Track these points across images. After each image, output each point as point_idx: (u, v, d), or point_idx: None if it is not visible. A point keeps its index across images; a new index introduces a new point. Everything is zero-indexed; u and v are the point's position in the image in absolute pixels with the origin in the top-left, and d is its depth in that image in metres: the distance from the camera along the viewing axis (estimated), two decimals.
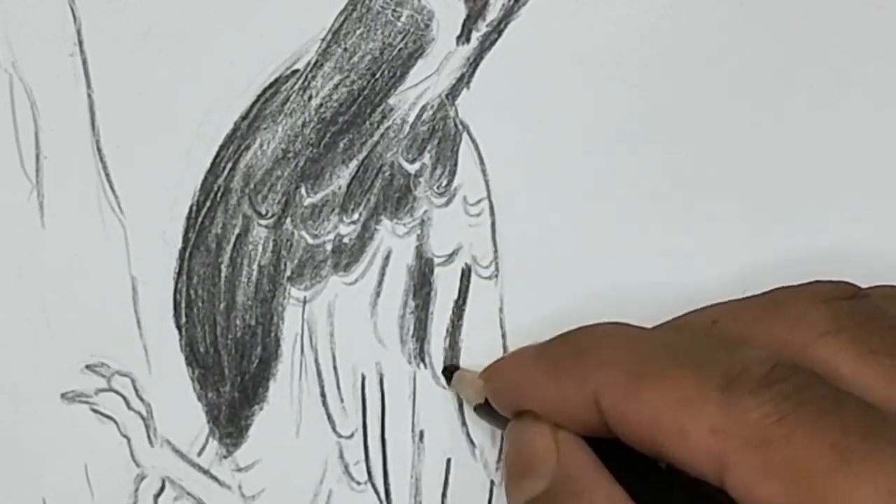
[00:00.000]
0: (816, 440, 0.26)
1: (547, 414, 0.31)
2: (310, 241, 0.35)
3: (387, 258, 0.35)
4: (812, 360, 0.28)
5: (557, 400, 0.30)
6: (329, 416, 0.35)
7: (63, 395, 0.34)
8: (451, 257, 0.35)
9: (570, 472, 0.30)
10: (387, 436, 0.35)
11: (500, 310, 0.35)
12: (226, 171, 0.35)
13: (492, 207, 0.35)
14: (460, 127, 0.35)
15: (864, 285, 0.31)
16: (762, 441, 0.26)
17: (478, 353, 0.35)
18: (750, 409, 0.26)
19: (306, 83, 0.35)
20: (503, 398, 0.33)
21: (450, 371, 0.35)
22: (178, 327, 0.35)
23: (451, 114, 0.35)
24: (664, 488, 0.30)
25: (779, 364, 0.27)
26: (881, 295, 0.31)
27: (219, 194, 0.35)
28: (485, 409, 0.33)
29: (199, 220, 0.35)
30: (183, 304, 0.35)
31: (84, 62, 0.34)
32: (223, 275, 0.35)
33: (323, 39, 0.35)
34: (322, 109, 0.35)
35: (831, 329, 0.29)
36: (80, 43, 0.34)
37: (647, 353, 0.29)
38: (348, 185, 0.35)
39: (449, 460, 0.35)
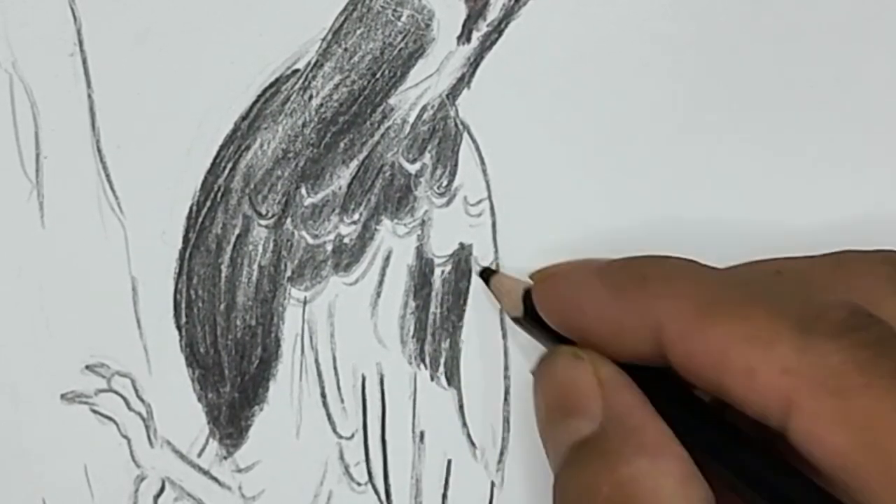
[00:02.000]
0: (894, 394, 0.25)
1: (600, 338, 0.29)
2: (310, 241, 0.35)
3: (387, 258, 0.35)
4: (886, 315, 0.27)
5: (616, 324, 0.29)
6: (329, 417, 0.35)
7: (63, 396, 0.34)
8: (451, 257, 0.35)
9: (618, 412, 0.29)
10: (387, 436, 0.35)
11: (501, 310, 0.35)
12: (226, 171, 0.35)
13: (492, 207, 0.35)
14: (461, 127, 0.35)
15: None
16: (838, 388, 0.25)
17: (478, 353, 0.35)
18: (827, 353, 0.25)
19: (307, 83, 0.35)
20: (554, 307, 0.31)
21: (488, 273, 0.34)
22: (179, 328, 0.35)
23: (452, 114, 0.35)
24: (706, 422, 0.28)
25: (859, 311, 0.26)
26: None
27: (219, 194, 0.35)
28: (526, 321, 0.32)
29: (200, 220, 0.35)
30: (183, 305, 0.35)
31: (84, 62, 0.34)
32: (223, 275, 0.35)
33: (323, 39, 0.35)
34: (322, 109, 0.35)
35: None
36: (80, 43, 0.34)
37: (717, 287, 0.28)
38: (349, 186, 0.35)
39: (449, 461, 0.35)
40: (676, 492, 0.27)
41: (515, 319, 0.33)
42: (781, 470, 0.27)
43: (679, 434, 0.28)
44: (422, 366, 0.35)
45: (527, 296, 0.32)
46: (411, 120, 0.35)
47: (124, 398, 0.35)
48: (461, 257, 0.35)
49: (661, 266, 0.30)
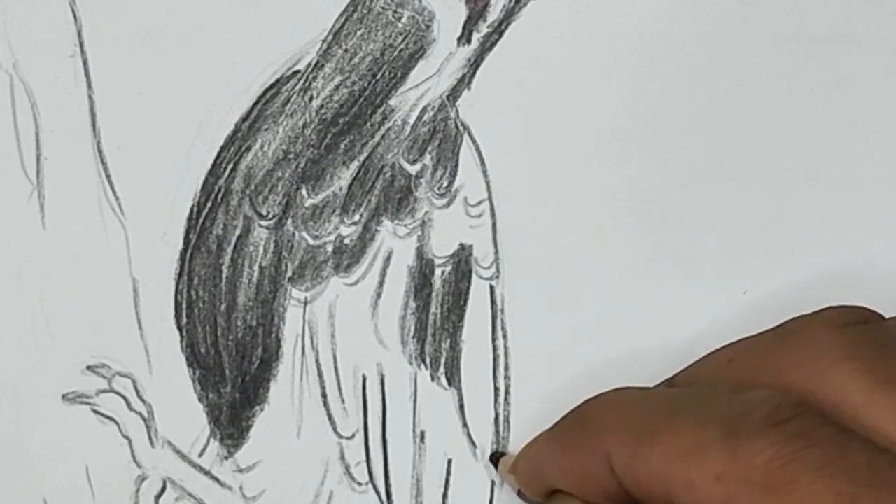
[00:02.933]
0: (822, 487, 0.25)
1: (572, 490, 0.31)
2: (311, 242, 0.35)
3: (388, 259, 0.35)
4: (824, 389, 0.28)
5: (577, 474, 0.30)
6: (330, 417, 0.35)
7: (64, 396, 0.34)
8: (451, 258, 0.35)
9: None
10: (388, 436, 0.35)
11: (501, 311, 0.35)
12: (227, 172, 0.35)
13: (492, 208, 0.35)
14: (461, 128, 0.35)
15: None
16: (767, 486, 0.26)
17: (478, 354, 0.35)
18: (754, 453, 0.26)
19: (307, 84, 0.35)
20: (530, 486, 0.33)
21: (496, 457, 0.35)
22: (179, 328, 0.35)
23: (452, 115, 0.35)
24: None
25: (783, 403, 0.27)
26: (894, 322, 0.31)
27: (220, 195, 0.35)
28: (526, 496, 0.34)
29: (200, 221, 0.35)
30: (184, 305, 0.35)
31: (85, 63, 0.34)
32: (224, 276, 0.35)
33: (324, 40, 0.35)
34: (323, 110, 0.35)
35: (845, 356, 0.28)
36: (81, 44, 0.34)
37: (649, 409, 0.29)
38: (349, 186, 0.35)
39: (450, 461, 0.35)
40: None
41: (521, 496, 0.34)
42: None
43: None
44: (422, 366, 0.35)
45: None
46: (412, 121, 0.35)
47: (125, 398, 0.35)
48: (461, 258, 0.35)
49: (597, 404, 0.31)
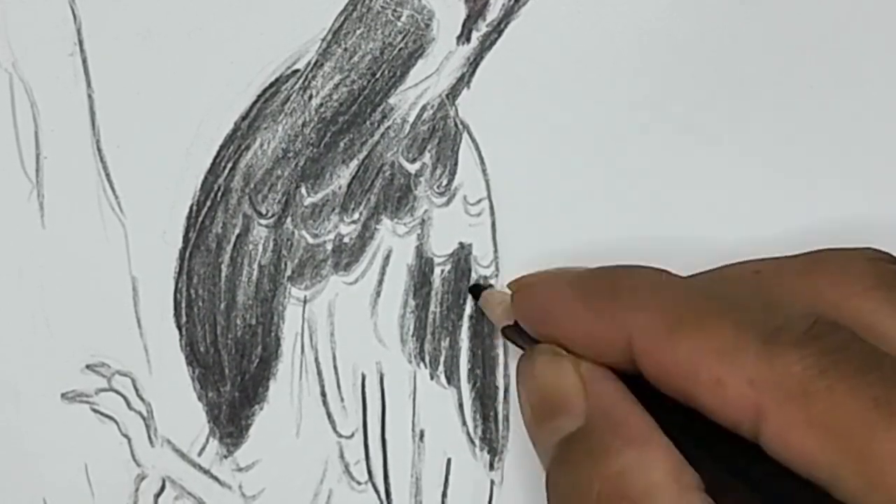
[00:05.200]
0: (858, 394, 0.25)
1: (574, 346, 0.30)
2: (310, 240, 0.35)
3: (387, 258, 0.35)
4: (854, 314, 0.28)
5: (588, 334, 0.30)
6: (329, 416, 0.35)
7: (63, 395, 0.34)
8: (451, 257, 0.35)
9: (602, 406, 0.29)
10: (387, 435, 0.35)
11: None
12: (226, 171, 0.35)
13: (492, 207, 0.35)
14: (460, 127, 0.35)
15: None
16: (803, 393, 0.26)
17: (478, 352, 0.35)
18: (791, 362, 0.26)
19: (307, 83, 0.35)
20: (530, 317, 0.32)
21: (478, 289, 0.34)
22: (179, 327, 0.35)
23: (452, 113, 0.35)
24: (688, 416, 0.29)
25: (820, 320, 0.27)
26: None
27: (219, 194, 0.35)
28: (512, 331, 0.33)
29: (200, 219, 0.35)
30: (183, 304, 0.35)
31: (84, 62, 0.34)
32: (223, 274, 0.35)
33: (323, 39, 0.35)
34: (322, 109, 0.35)
35: (875, 284, 0.28)
36: (81, 43, 0.34)
37: (685, 300, 0.29)
38: (349, 185, 0.35)
39: (449, 460, 0.35)
40: (667, 480, 0.27)
41: (504, 331, 0.33)
42: (762, 460, 0.27)
43: (664, 428, 0.29)
44: (421, 364, 0.35)
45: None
46: (411, 120, 0.35)
47: (125, 397, 0.35)
48: (461, 256, 0.35)
49: (632, 278, 0.30)
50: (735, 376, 0.27)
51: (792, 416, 0.26)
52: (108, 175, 0.34)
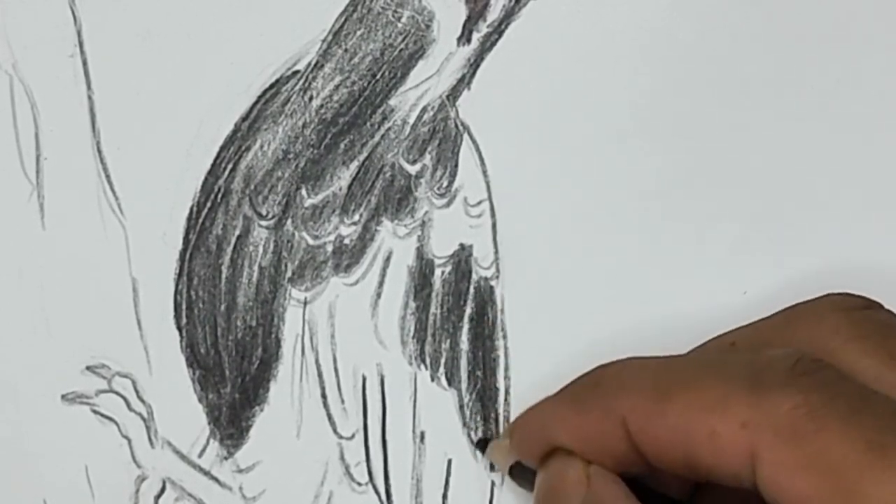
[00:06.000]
0: (850, 435, 0.25)
1: (577, 449, 0.30)
2: (310, 242, 0.35)
3: (388, 259, 0.35)
4: (836, 364, 0.28)
5: (586, 434, 0.30)
6: (330, 418, 0.35)
7: (64, 397, 0.34)
8: (451, 258, 0.35)
9: (601, 501, 0.30)
10: (388, 437, 0.35)
11: (501, 311, 0.35)
12: (226, 172, 0.35)
13: (492, 208, 0.35)
14: (461, 128, 0.35)
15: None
16: (793, 434, 0.26)
17: (478, 354, 0.35)
18: (779, 402, 0.26)
19: (307, 84, 0.35)
20: (528, 448, 0.32)
21: (483, 443, 0.35)
22: (179, 328, 0.35)
23: (452, 115, 0.35)
24: None
25: (804, 357, 0.27)
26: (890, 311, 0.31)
27: (219, 195, 0.35)
28: (518, 470, 0.33)
29: (200, 221, 0.35)
30: (183, 306, 0.35)
31: (84, 63, 0.34)
32: (224, 276, 0.35)
33: (324, 40, 0.35)
34: (323, 110, 0.35)
35: (854, 336, 0.28)
36: (81, 44, 0.34)
37: (667, 371, 0.29)
38: (349, 187, 0.35)
39: (450, 461, 0.35)
40: None
41: (511, 474, 0.34)
42: None
43: None
44: (422, 366, 0.35)
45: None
46: (411, 121, 0.35)
47: (125, 399, 0.35)
48: (461, 258, 0.35)
49: (612, 368, 0.31)
50: (727, 424, 0.27)
51: (784, 457, 0.26)
52: (108, 176, 0.34)
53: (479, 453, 0.35)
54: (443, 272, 0.35)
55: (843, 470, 0.25)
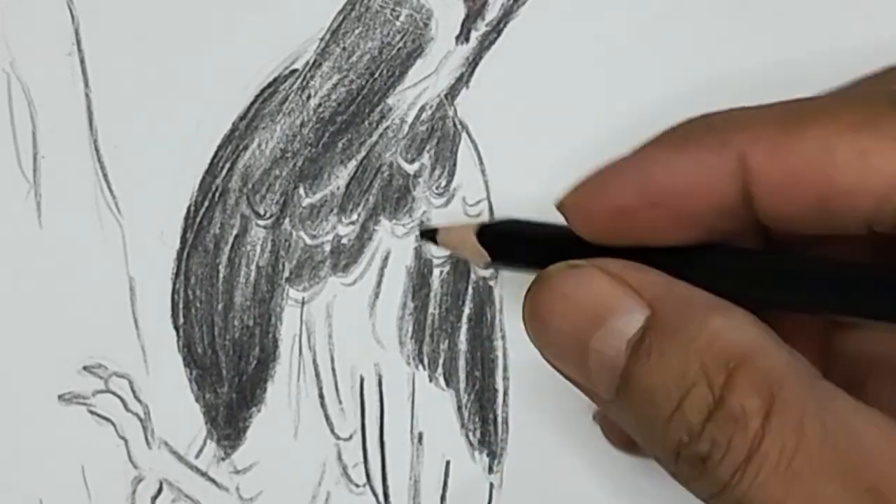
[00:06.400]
0: None
1: (679, 198, 0.27)
2: (308, 241, 0.35)
3: (386, 259, 0.35)
4: None
5: (691, 177, 0.26)
6: (327, 418, 0.35)
7: (60, 397, 0.34)
8: (449, 258, 0.35)
9: (662, 291, 0.27)
10: (385, 437, 0.35)
11: (500, 310, 0.35)
12: (224, 171, 0.35)
13: (491, 208, 0.35)
14: (459, 127, 0.35)
15: None
16: None
17: (477, 354, 0.35)
18: None
19: (305, 83, 0.35)
20: (597, 205, 0.28)
21: (429, 233, 0.32)
22: (176, 328, 0.35)
23: (450, 113, 0.35)
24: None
25: None
26: None
27: (217, 194, 0.35)
28: (500, 265, 0.31)
29: (198, 220, 0.35)
30: (181, 305, 0.35)
31: (82, 62, 0.35)
32: (221, 275, 0.35)
33: (321, 39, 0.35)
34: (320, 109, 0.35)
35: None
36: (78, 42, 0.35)
37: (800, 103, 0.26)
38: (347, 186, 0.35)
39: (448, 462, 0.35)
40: (761, 333, 0.26)
41: (492, 265, 0.31)
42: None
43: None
44: (420, 366, 0.35)
45: (480, 235, 0.31)
46: (410, 120, 0.35)
47: (122, 399, 0.34)
48: (459, 258, 0.35)
49: (721, 111, 0.27)
50: (878, 141, 0.24)
51: None
52: (105, 175, 0.34)
53: (476, 454, 0.35)
54: (441, 272, 0.35)
55: None
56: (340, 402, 0.35)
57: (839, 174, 0.25)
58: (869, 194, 0.25)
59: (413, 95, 0.35)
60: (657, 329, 0.26)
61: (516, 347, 0.35)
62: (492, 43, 0.35)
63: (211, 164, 0.35)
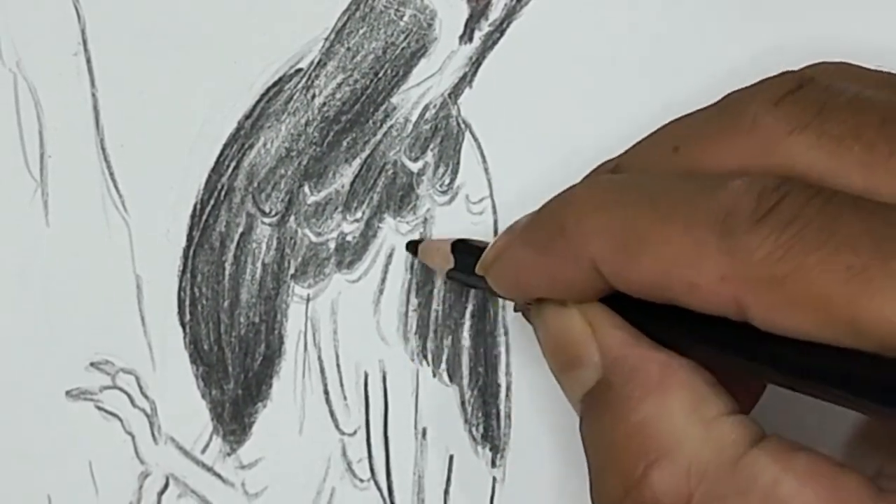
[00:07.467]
0: (829, 267, 0.24)
1: (557, 295, 0.29)
2: (313, 238, 0.35)
3: (390, 256, 0.35)
4: (785, 162, 0.27)
5: (561, 280, 0.29)
6: (332, 414, 0.35)
7: (68, 393, 0.35)
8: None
9: (615, 356, 0.28)
10: (389, 433, 0.35)
11: (503, 307, 0.35)
12: (229, 170, 0.35)
13: (494, 206, 0.35)
14: (463, 126, 0.35)
15: None
16: (773, 279, 0.25)
17: (480, 350, 0.35)
18: (751, 251, 0.25)
19: (310, 82, 0.35)
20: (512, 293, 0.31)
21: (414, 245, 0.34)
22: (183, 325, 0.35)
23: (454, 113, 0.35)
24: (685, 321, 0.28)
25: (764, 189, 0.26)
26: (822, 72, 0.29)
27: (223, 193, 0.35)
28: (457, 274, 0.33)
29: (203, 218, 0.35)
30: (187, 302, 0.35)
31: (88, 61, 0.35)
32: (227, 273, 0.35)
33: (326, 39, 0.35)
34: (325, 108, 0.35)
35: (792, 129, 0.27)
36: (85, 42, 0.35)
37: (631, 212, 0.27)
38: (351, 184, 0.35)
39: (451, 457, 0.35)
40: (690, 421, 0.27)
41: (449, 275, 0.33)
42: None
43: (682, 348, 0.28)
44: (424, 362, 0.35)
45: (454, 249, 0.33)
46: (413, 119, 0.35)
47: (129, 395, 0.35)
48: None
49: (572, 207, 0.29)
50: (705, 277, 0.26)
51: (771, 301, 0.25)
52: (111, 174, 0.35)
53: (479, 450, 0.35)
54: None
55: (832, 303, 0.24)
56: (345, 397, 0.35)
57: (679, 298, 0.26)
58: (712, 311, 0.26)
59: (417, 95, 0.35)
60: (600, 397, 0.28)
61: (519, 343, 0.35)
62: (495, 43, 0.35)
63: (217, 162, 0.35)
